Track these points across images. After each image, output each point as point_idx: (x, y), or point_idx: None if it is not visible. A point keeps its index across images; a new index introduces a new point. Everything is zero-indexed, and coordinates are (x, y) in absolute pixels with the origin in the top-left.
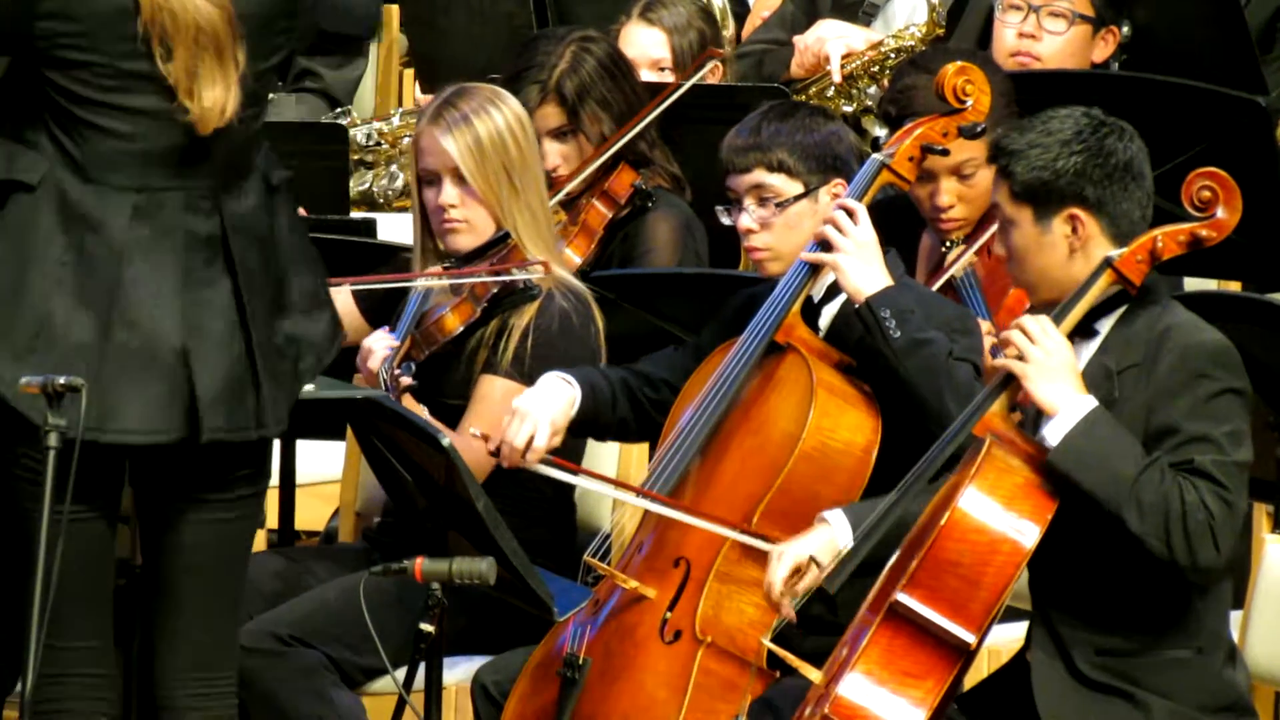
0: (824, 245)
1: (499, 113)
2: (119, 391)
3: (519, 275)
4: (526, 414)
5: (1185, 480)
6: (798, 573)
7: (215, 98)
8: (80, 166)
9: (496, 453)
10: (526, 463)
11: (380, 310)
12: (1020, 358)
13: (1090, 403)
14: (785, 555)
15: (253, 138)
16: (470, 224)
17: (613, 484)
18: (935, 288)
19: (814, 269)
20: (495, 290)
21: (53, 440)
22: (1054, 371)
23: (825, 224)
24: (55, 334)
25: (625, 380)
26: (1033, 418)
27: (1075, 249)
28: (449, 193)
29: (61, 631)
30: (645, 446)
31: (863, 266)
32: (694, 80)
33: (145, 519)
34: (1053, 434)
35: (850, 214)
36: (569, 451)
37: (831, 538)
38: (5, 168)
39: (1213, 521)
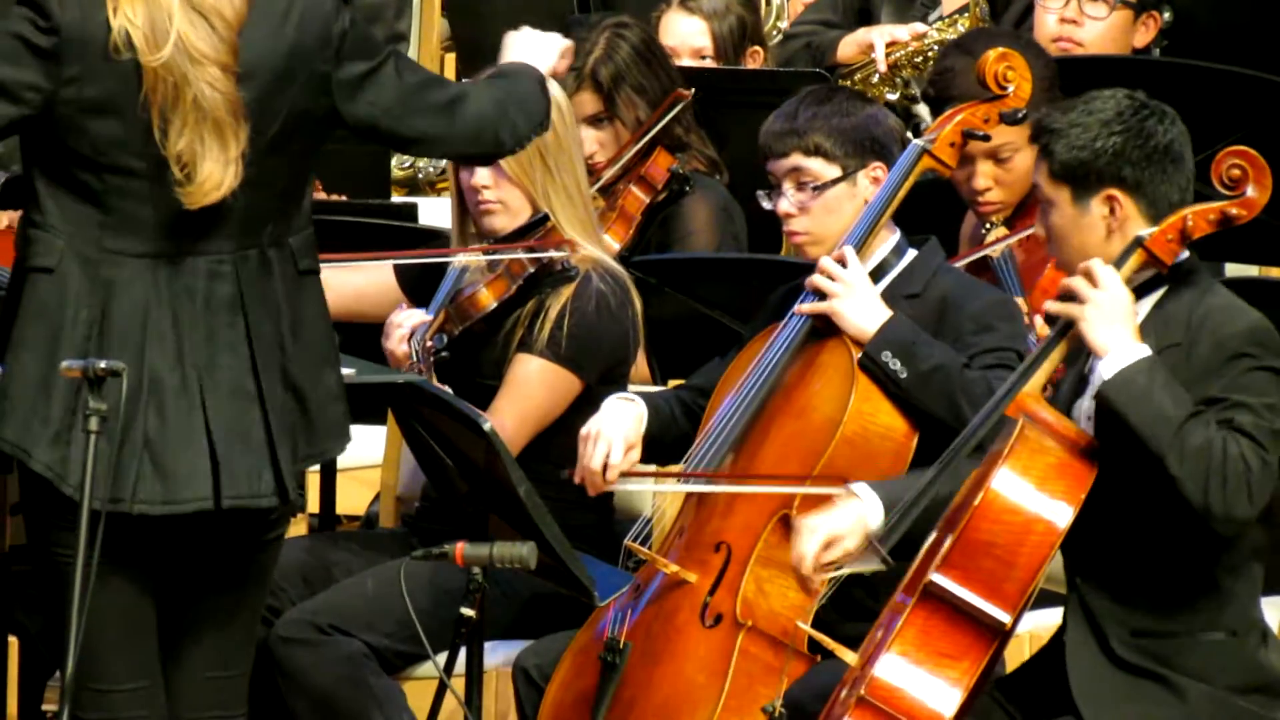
0: (819, 294)
1: None
2: (137, 463)
3: (556, 254)
4: (597, 435)
5: (1230, 433)
6: (828, 548)
7: (210, 172)
8: (98, 238)
9: (580, 485)
10: (609, 484)
11: (420, 290)
12: (1080, 303)
13: (1145, 349)
14: (817, 530)
15: (272, 208)
16: (505, 205)
17: (688, 478)
18: (968, 262)
19: (856, 250)
20: (531, 269)
21: (93, 425)
22: (1112, 316)
23: (816, 275)
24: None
25: (680, 398)
26: (1065, 397)
27: (1113, 230)
28: (482, 174)
29: (107, 675)
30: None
31: (858, 306)
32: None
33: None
34: (1106, 368)
35: (840, 261)
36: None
37: (861, 514)
38: (21, 254)
39: (1250, 475)
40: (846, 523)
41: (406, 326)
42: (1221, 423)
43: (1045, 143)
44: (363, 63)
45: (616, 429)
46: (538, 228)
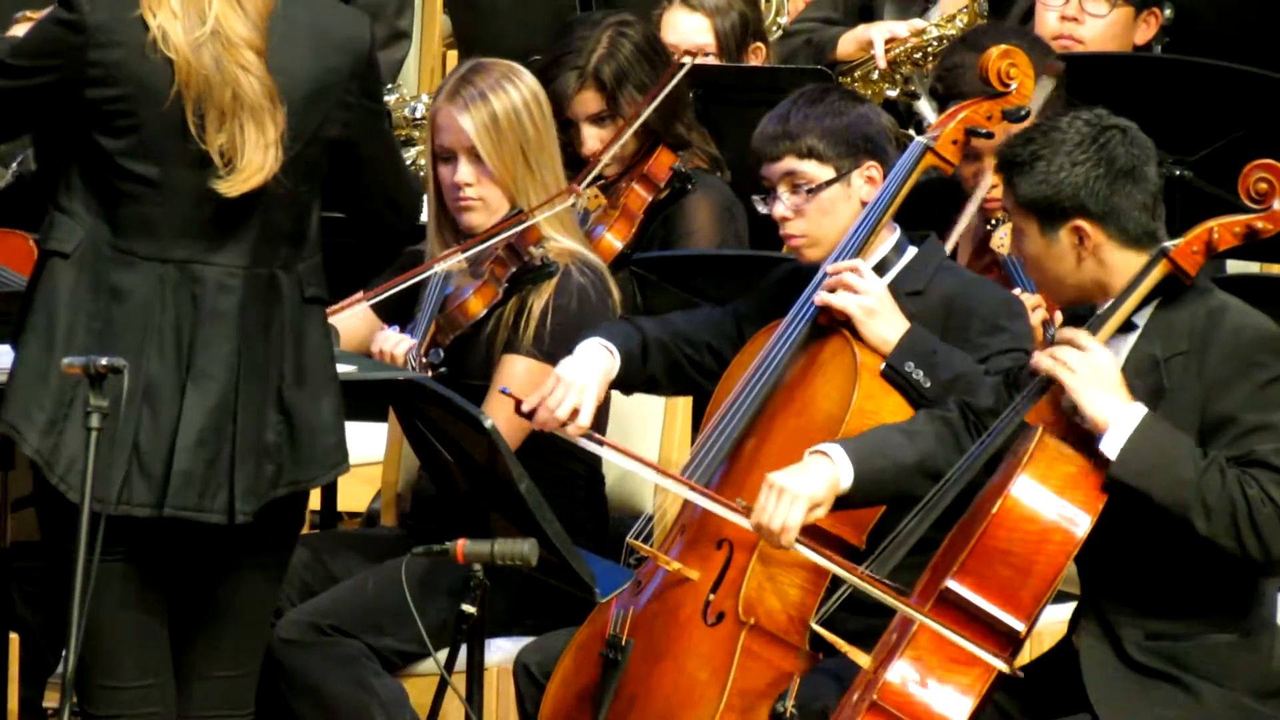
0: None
1: (515, 90)
2: (127, 464)
3: (516, 225)
4: (571, 384)
5: (1245, 475)
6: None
7: (250, 159)
8: (113, 235)
9: (528, 415)
10: (565, 433)
11: (399, 313)
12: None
13: (1139, 410)
14: (800, 498)
15: (286, 229)
16: (485, 202)
17: (641, 462)
18: (969, 255)
19: (859, 250)
20: (514, 270)
21: (94, 421)
22: (1102, 383)
23: (833, 289)
24: (81, 406)
25: (662, 340)
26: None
27: (1083, 257)
28: (464, 171)
29: (117, 672)
30: (688, 428)
31: (881, 320)
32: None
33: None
34: (1110, 447)
35: (853, 271)
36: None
37: (835, 478)
38: (43, 237)
39: (1279, 511)
40: (823, 489)
41: (399, 353)
42: (1235, 459)
43: (1009, 176)
44: (377, 103)
45: (591, 382)
46: (511, 223)
